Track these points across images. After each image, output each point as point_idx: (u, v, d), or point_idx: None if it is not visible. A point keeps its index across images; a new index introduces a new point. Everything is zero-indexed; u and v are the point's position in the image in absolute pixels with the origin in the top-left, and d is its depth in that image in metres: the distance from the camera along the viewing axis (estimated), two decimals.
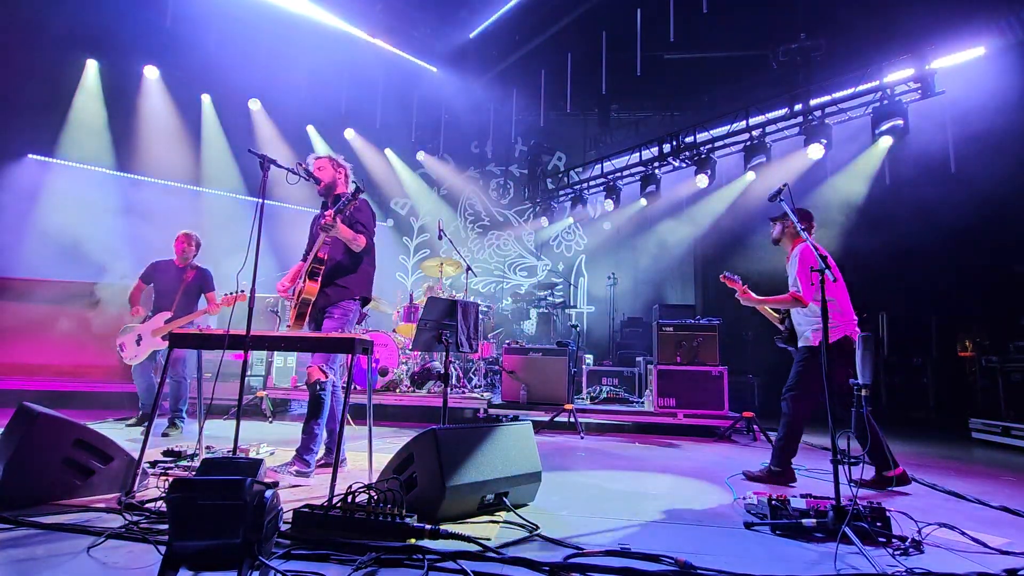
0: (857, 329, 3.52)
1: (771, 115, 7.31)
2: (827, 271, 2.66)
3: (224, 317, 5.29)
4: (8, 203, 7.38)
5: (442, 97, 10.12)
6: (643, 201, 8.94)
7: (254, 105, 9.39)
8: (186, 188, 8.79)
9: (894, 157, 7.60)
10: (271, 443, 4.12)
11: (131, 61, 8.24)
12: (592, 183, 9.59)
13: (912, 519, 2.52)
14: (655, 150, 8.48)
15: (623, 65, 8.37)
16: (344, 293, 3.44)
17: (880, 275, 7.46)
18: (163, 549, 1.68)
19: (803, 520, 2.43)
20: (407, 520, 2.14)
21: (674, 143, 8.20)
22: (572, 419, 5.43)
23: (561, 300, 9.16)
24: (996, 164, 6.55)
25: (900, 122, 6.16)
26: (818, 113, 6.90)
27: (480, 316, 6.35)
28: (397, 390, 6.18)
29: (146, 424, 2.93)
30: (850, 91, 6.66)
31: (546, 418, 5.56)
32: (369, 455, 3.13)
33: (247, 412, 5.72)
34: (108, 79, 8.22)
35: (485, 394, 6.23)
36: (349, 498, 2.27)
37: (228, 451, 3.10)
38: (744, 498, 2.83)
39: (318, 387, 3.24)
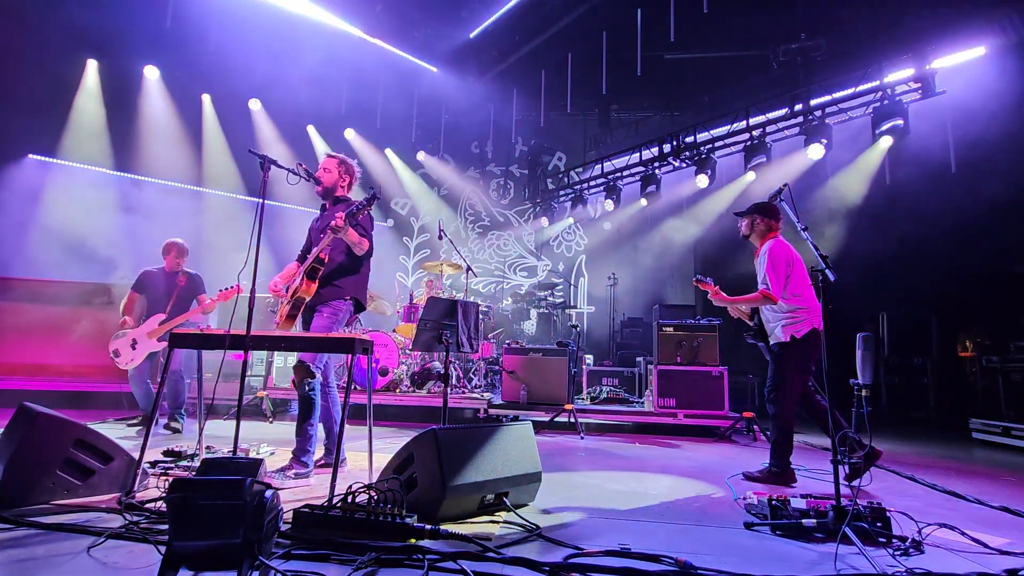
0: (821, 321, 3.56)
1: (771, 115, 7.31)
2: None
3: (225, 317, 5.29)
4: (9, 203, 7.39)
5: (442, 97, 10.13)
6: (643, 201, 8.94)
7: (254, 105, 9.40)
8: (186, 188, 8.79)
9: (894, 157, 7.60)
10: (271, 443, 4.12)
11: (131, 61, 8.25)
12: (592, 183, 9.60)
13: (912, 519, 2.52)
14: (655, 150, 8.48)
15: (623, 65, 8.38)
16: (337, 293, 3.41)
17: (880, 275, 7.46)
18: (163, 549, 1.68)
19: (803, 520, 2.43)
20: (407, 520, 2.14)
21: (674, 143, 8.20)
22: (572, 419, 5.43)
23: (561, 300, 9.16)
24: (997, 164, 6.55)
25: (900, 122, 6.16)
26: (818, 113, 6.90)
27: (480, 316, 6.35)
28: (397, 390, 6.19)
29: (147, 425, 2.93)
30: (850, 91, 6.66)
31: (546, 418, 5.56)
32: (369, 455, 3.13)
33: (247, 412, 5.72)
34: (108, 79, 8.22)
35: (485, 394, 6.23)
36: (349, 498, 2.27)
37: (228, 451, 3.10)
38: (744, 498, 2.83)
39: (306, 386, 3.22)
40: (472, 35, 8.88)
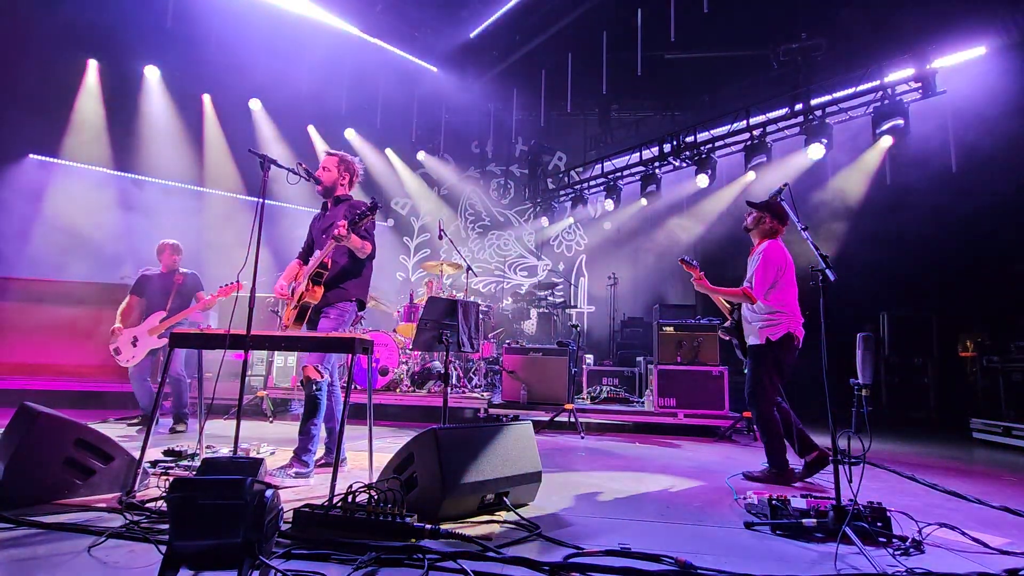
0: (802, 329, 3.59)
1: (772, 115, 7.31)
2: (828, 269, 2.67)
3: (225, 317, 5.30)
4: (10, 203, 7.39)
5: (442, 97, 10.13)
6: (643, 201, 8.94)
7: (255, 105, 9.40)
8: (187, 188, 8.80)
9: (895, 157, 7.59)
10: (272, 443, 4.13)
11: (132, 61, 8.26)
12: (592, 183, 9.60)
13: (913, 519, 2.52)
14: (655, 150, 8.48)
15: (624, 65, 8.38)
16: (342, 295, 3.44)
17: (881, 275, 7.45)
18: (164, 549, 1.68)
19: (803, 520, 2.43)
20: (407, 520, 2.14)
21: (674, 143, 8.20)
22: (572, 419, 5.43)
23: (561, 300, 9.16)
24: (997, 163, 6.54)
25: (901, 122, 6.16)
26: (819, 113, 6.90)
27: (480, 316, 6.36)
28: (397, 390, 6.19)
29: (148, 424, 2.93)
30: (851, 91, 6.66)
31: (546, 418, 5.56)
32: (369, 455, 3.13)
33: (248, 412, 5.72)
34: (109, 79, 8.23)
35: (485, 394, 6.23)
36: (349, 498, 2.27)
37: (229, 451, 3.11)
38: (744, 498, 2.83)
39: (313, 387, 3.24)
40: (472, 35, 8.88)
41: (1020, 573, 2.02)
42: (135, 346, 4.84)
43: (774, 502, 2.56)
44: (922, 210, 7.20)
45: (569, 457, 4.26)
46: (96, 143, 8.10)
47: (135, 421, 5.10)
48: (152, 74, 8.45)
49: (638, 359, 7.03)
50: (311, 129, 10.12)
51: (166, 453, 3.39)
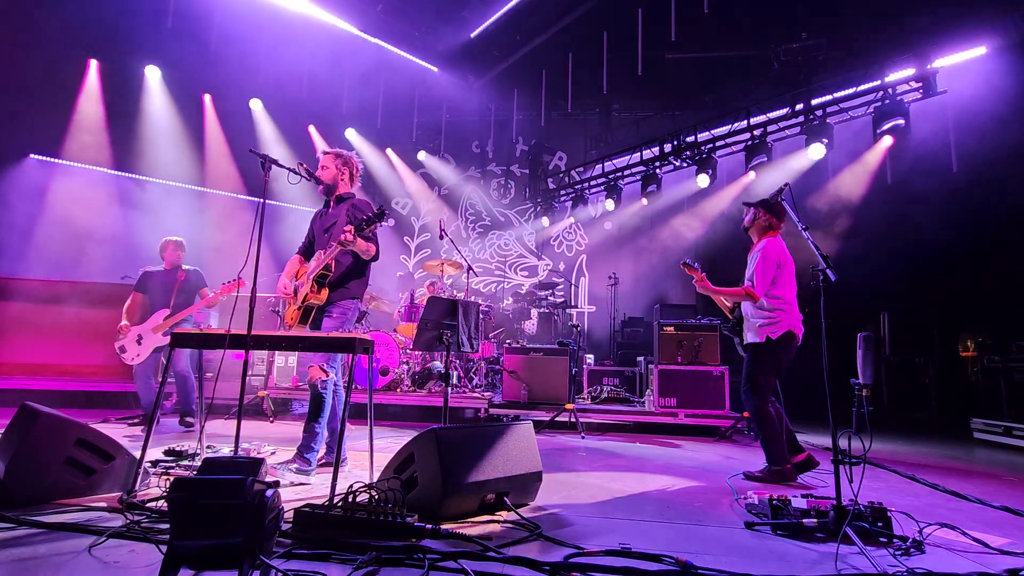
0: (801, 326, 3.60)
1: (772, 115, 7.30)
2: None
3: (225, 316, 5.31)
4: (10, 203, 7.40)
5: (443, 97, 10.13)
6: (644, 201, 8.94)
7: (255, 105, 9.41)
8: (187, 188, 8.81)
9: (895, 156, 7.59)
10: (272, 442, 4.13)
11: (133, 61, 8.27)
12: (593, 183, 9.59)
13: (913, 519, 2.52)
14: (656, 150, 8.48)
15: (624, 65, 8.37)
16: (345, 293, 3.47)
17: (881, 274, 7.44)
18: (164, 548, 1.68)
19: (804, 520, 2.43)
20: (408, 520, 2.14)
21: (675, 143, 8.19)
22: (573, 419, 5.43)
23: (562, 300, 9.16)
24: (998, 163, 6.54)
25: (901, 121, 6.15)
26: (819, 113, 6.89)
27: (481, 316, 6.35)
28: (398, 390, 6.19)
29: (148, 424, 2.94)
30: (851, 90, 6.65)
31: (547, 418, 5.56)
32: (370, 454, 3.13)
33: (248, 412, 5.73)
34: (110, 79, 8.23)
35: (486, 394, 6.23)
36: (350, 498, 2.27)
37: (229, 450, 3.11)
38: (745, 498, 2.83)
39: (319, 386, 3.25)
40: (473, 35, 8.88)
41: (1021, 573, 2.02)
42: (140, 344, 4.85)
43: (775, 502, 2.56)
44: (923, 210, 7.19)
45: (570, 457, 4.26)
46: (97, 143, 8.11)
47: (135, 421, 5.11)
48: (153, 74, 8.45)
49: (639, 359, 7.02)
50: (312, 129, 10.13)
51: (167, 453, 3.39)
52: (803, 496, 2.61)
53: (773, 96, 7.44)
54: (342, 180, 3.60)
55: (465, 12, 8.47)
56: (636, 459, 4.27)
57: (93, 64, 8.14)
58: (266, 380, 6.21)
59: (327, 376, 3.25)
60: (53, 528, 2.20)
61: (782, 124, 7.27)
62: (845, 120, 6.90)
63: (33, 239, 7.45)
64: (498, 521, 2.50)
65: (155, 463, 3.19)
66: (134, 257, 7.44)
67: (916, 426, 7.07)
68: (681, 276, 9.67)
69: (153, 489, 2.78)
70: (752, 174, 8.32)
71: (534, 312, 8.67)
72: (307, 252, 3.66)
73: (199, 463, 2.75)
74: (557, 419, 5.55)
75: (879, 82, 6.43)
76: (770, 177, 8.05)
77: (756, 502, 2.68)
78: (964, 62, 6.24)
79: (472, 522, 2.47)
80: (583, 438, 5.17)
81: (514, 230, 10.97)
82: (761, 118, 7.35)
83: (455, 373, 6.39)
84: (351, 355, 2.90)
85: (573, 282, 10.47)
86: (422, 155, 11.00)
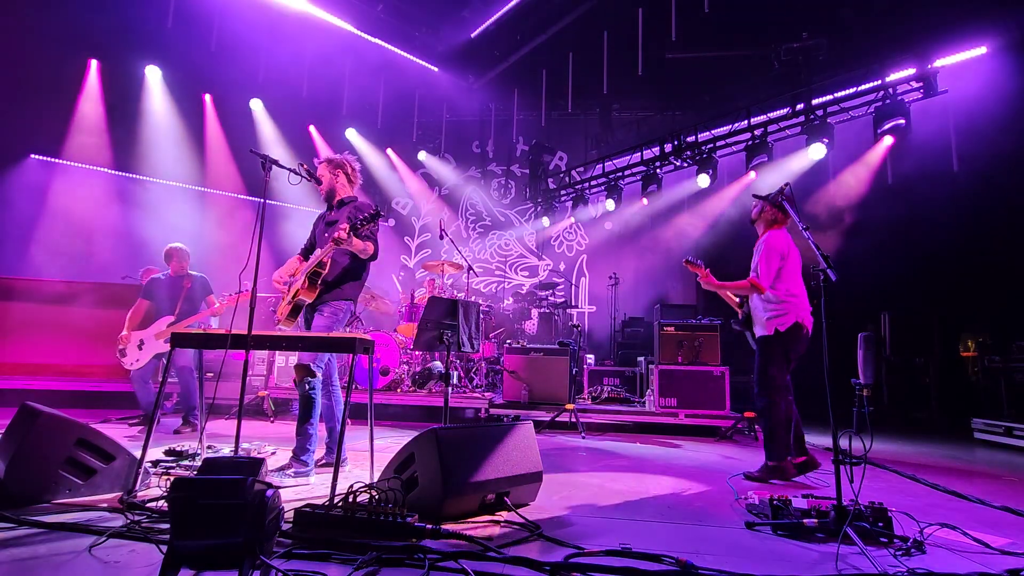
0: (810, 317, 3.58)
1: (773, 114, 7.30)
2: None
3: (225, 317, 5.31)
4: (12, 203, 7.41)
5: (443, 97, 10.13)
6: (644, 201, 8.94)
7: (256, 105, 9.41)
8: (188, 188, 8.81)
9: (896, 156, 7.59)
10: (273, 443, 4.13)
11: (133, 61, 8.27)
12: (593, 183, 9.59)
13: (914, 519, 2.52)
14: (656, 149, 8.47)
15: (625, 64, 8.37)
16: (338, 294, 3.44)
17: (882, 274, 7.44)
18: (165, 548, 1.68)
19: (804, 520, 2.43)
20: (408, 520, 2.14)
21: (675, 142, 8.19)
22: (573, 419, 5.43)
23: (562, 300, 9.16)
24: (999, 163, 6.53)
25: (902, 121, 6.14)
26: (820, 112, 6.89)
27: (481, 316, 6.35)
28: (398, 390, 6.19)
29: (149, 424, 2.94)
30: (852, 90, 6.65)
31: (547, 418, 5.56)
32: (370, 455, 3.13)
33: (249, 412, 5.73)
34: (110, 79, 8.24)
35: (486, 394, 6.23)
36: (350, 498, 2.27)
37: (230, 450, 3.11)
38: (745, 498, 2.83)
39: (307, 385, 3.23)
40: (473, 35, 8.88)
41: (1022, 573, 2.02)
42: (141, 349, 4.85)
43: (775, 502, 2.56)
44: (923, 209, 7.18)
45: (570, 457, 4.25)
46: (97, 143, 8.11)
47: (135, 421, 5.11)
48: (153, 74, 8.46)
49: (639, 359, 7.02)
50: (312, 129, 10.13)
51: (167, 453, 3.39)
52: (804, 496, 2.60)
53: (774, 96, 7.43)
54: (339, 184, 3.61)
55: (465, 12, 8.47)
56: (636, 459, 4.27)
57: (94, 64, 8.15)
58: (266, 380, 6.21)
59: (314, 376, 3.23)
60: (53, 528, 2.20)
61: (783, 124, 7.27)
62: (846, 120, 6.89)
63: (34, 239, 7.46)
64: (498, 521, 2.50)
65: (155, 463, 3.19)
66: (135, 257, 7.46)
67: (916, 426, 7.06)
68: (682, 276, 9.74)
69: (153, 489, 2.78)
70: (752, 174, 8.32)
71: (534, 312, 8.67)
72: (307, 253, 3.66)
73: (199, 463, 2.75)
74: (557, 419, 5.55)
75: (880, 82, 6.42)
76: (771, 177, 8.05)
77: (756, 502, 2.68)
78: (965, 62, 6.23)
79: (472, 522, 2.47)
80: (583, 438, 5.17)
81: (514, 230, 10.97)
82: (762, 118, 7.35)
83: (455, 373, 6.39)
84: (351, 355, 2.90)
85: (573, 282, 10.47)
86: (422, 155, 11.00)
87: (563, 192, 10.06)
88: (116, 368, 5.99)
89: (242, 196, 9.09)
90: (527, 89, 9.83)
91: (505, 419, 5.74)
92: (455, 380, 6.33)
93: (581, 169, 9.92)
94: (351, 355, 2.90)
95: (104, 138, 8.15)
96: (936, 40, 6.13)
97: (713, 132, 7.88)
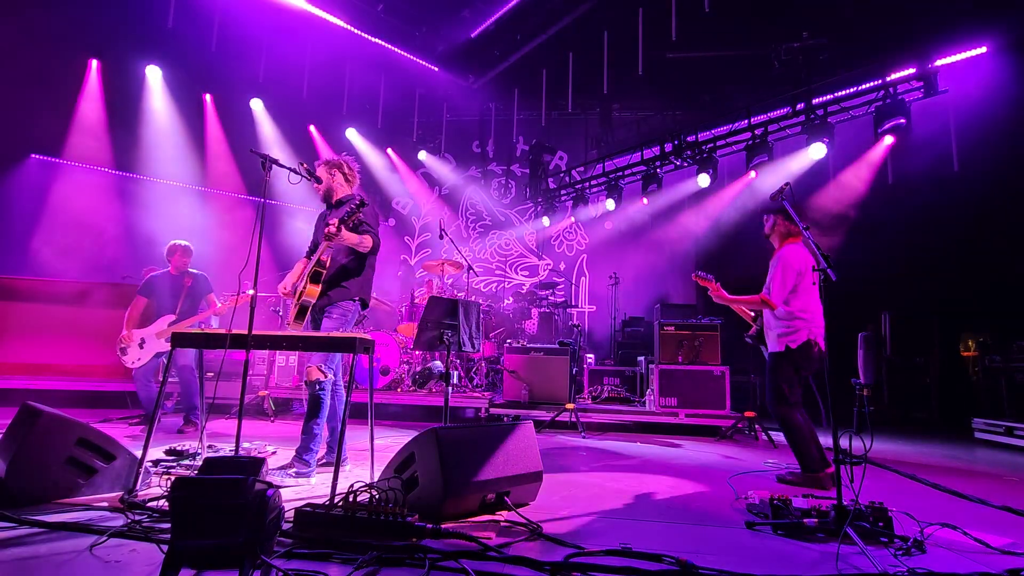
0: (823, 335, 3.52)
1: (773, 114, 7.29)
2: (829, 269, 2.67)
3: (226, 316, 5.31)
4: (12, 203, 7.41)
5: (444, 97, 10.13)
6: (645, 200, 8.94)
7: (256, 105, 9.41)
8: (188, 187, 8.81)
9: (897, 156, 7.58)
10: (273, 442, 4.13)
11: (134, 61, 8.27)
12: (594, 182, 9.59)
13: (914, 519, 2.52)
14: (656, 149, 8.47)
15: (625, 64, 8.36)
16: (344, 294, 3.45)
17: (882, 274, 7.44)
18: (165, 548, 1.68)
19: (805, 520, 2.43)
20: (408, 519, 2.14)
21: (676, 142, 8.19)
22: (574, 419, 5.43)
23: (563, 299, 9.16)
24: (1000, 162, 6.53)
25: (903, 121, 6.14)
26: (820, 112, 6.88)
27: (481, 315, 6.35)
28: (399, 389, 6.19)
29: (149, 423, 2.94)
30: (852, 90, 6.64)
31: (548, 417, 5.56)
32: (371, 454, 3.13)
33: (249, 411, 5.73)
34: (111, 79, 8.24)
35: (487, 393, 6.23)
36: (351, 497, 2.27)
37: (230, 450, 3.11)
38: (746, 498, 2.83)
39: (317, 386, 3.24)
40: (474, 35, 8.87)
41: (1022, 573, 2.02)
42: (142, 348, 4.84)
43: (775, 502, 2.56)
44: (924, 209, 7.18)
45: (570, 457, 4.26)
46: (98, 143, 8.11)
47: (136, 421, 5.11)
48: (154, 74, 8.46)
49: (639, 359, 7.02)
50: (312, 129, 10.13)
51: (168, 452, 3.40)
52: (804, 496, 2.60)
53: (774, 95, 7.43)
54: (336, 184, 3.62)
55: (466, 11, 8.46)
56: (637, 459, 4.27)
57: (94, 64, 8.15)
58: (267, 380, 6.21)
59: (325, 377, 3.24)
60: (54, 528, 2.21)
61: (783, 123, 7.26)
62: (846, 120, 6.89)
63: (35, 239, 7.46)
64: (499, 521, 2.50)
65: (156, 463, 3.19)
66: (136, 257, 7.46)
67: (917, 426, 7.06)
68: (682, 275, 9.74)
69: (154, 489, 2.79)
70: (753, 173, 8.32)
71: (535, 312, 8.67)
72: (311, 254, 3.68)
73: (200, 463, 2.75)
74: (558, 419, 5.55)
75: (880, 81, 6.42)
76: (771, 176, 8.05)
77: (757, 502, 2.68)
78: (966, 62, 6.22)
79: (473, 522, 2.47)
80: (584, 438, 5.17)
81: (515, 230, 10.97)
82: (762, 117, 7.34)
83: (456, 373, 6.39)
84: (352, 355, 2.90)
85: (574, 282, 10.47)
86: (423, 155, 11.00)
87: (563, 192, 10.06)
88: (117, 368, 6.00)
89: (242, 196, 9.09)
90: (527, 89, 9.83)
91: (505, 419, 5.75)
92: (455, 380, 6.33)
93: (581, 169, 9.92)
94: (352, 355, 2.91)
95: (104, 138, 8.15)
96: (937, 39, 6.12)
97: (713, 132, 7.88)
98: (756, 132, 7.40)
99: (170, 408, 5.88)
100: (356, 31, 8.47)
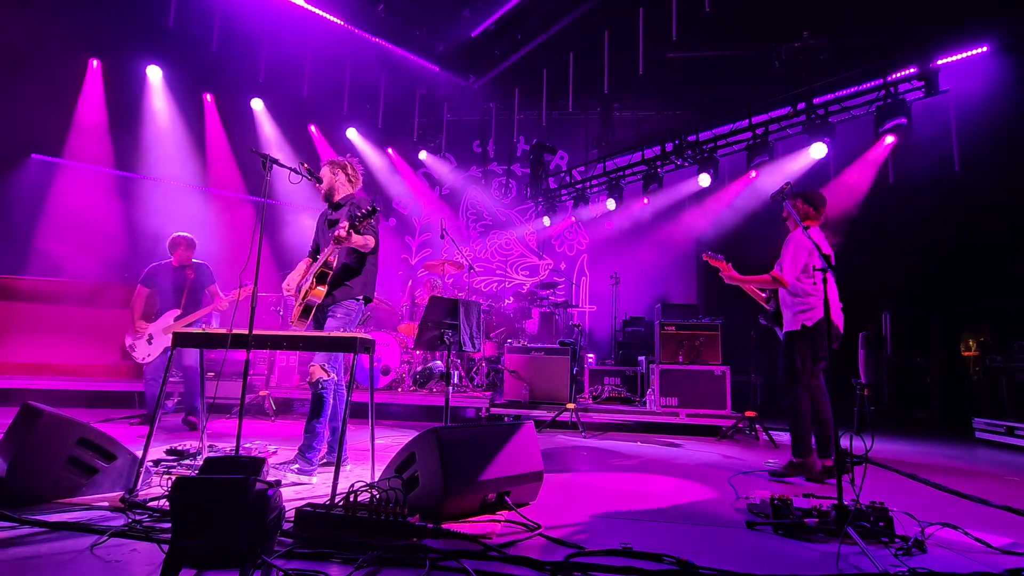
0: (841, 314, 3.56)
1: (774, 114, 7.29)
2: (830, 270, 2.68)
3: (227, 316, 5.32)
4: (13, 203, 7.41)
5: (444, 96, 10.12)
6: (645, 200, 8.93)
7: (256, 105, 9.41)
8: (189, 187, 8.81)
9: (897, 155, 7.58)
10: (274, 442, 4.13)
11: (134, 61, 8.27)
12: (594, 182, 9.59)
13: (915, 519, 2.52)
14: (657, 149, 8.47)
15: (625, 64, 8.35)
16: (348, 292, 3.47)
17: (883, 274, 7.44)
18: (166, 548, 1.68)
19: (806, 520, 2.43)
20: (409, 519, 2.14)
21: (676, 142, 8.18)
22: (574, 418, 5.43)
23: (563, 299, 9.15)
24: (1000, 162, 6.52)
25: (904, 120, 6.13)
26: (821, 112, 6.88)
27: (482, 315, 6.35)
28: (399, 389, 6.19)
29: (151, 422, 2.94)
30: (853, 89, 6.63)
31: (548, 417, 5.56)
32: (371, 454, 3.13)
33: (250, 411, 5.73)
34: (111, 79, 8.24)
35: (487, 393, 6.23)
36: (351, 497, 2.27)
37: (231, 450, 3.11)
38: (746, 498, 2.82)
39: (319, 386, 3.25)
40: (474, 34, 8.87)
41: (1022, 573, 2.02)
42: (150, 344, 4.85)
43: (776, 502, 2.56)
44: (925, 209, 7.17)
45: (571, 457, 4.26)
46: (98, 143, 8.11)
47: (136, 420, 5.11)
48: (154, 74, 8.46)
49: (640, 358, 7.02)
50: (313, 129, 10.13)
51: (169, 452, 3.40)
52: (804, 496, 2.60)
53: (775, 95, 7.42)
54: (339, 183, 3.64)
55: (466, 11, 8.46)
56: (637, 459, 4.27)
57: (95, 64, 8.15)
58: (268, 379, 6.22)
59: (328, 376, 3.25)
60: (55, 527, 2.21)
61: (784, 123, 7.26)
62: (847, 119, 6.88)
63: (35, 239, 7.46)
64: (499, 521, 2.50)
65: (157, 462, 3.20)
66: (136, 257, 7.46)
67: (917, 426, 7.06)
68: (683, 275, 9.74)
69: (155, 488, 2.79)
70: (754, 173, 8.32)
71: (535, 311, 8.67)
72: (314, 254, 3.69)
73: (201, 462, 2.75)
74: (558, 419, 5.55)
75: (881, 81, 6.41)
76: (772, 176, 8.05)
77: (757, 502, 2.68)
78: (967, 62, 6.21)
79: (473, 521, 2.47)
80: (584, 438, 5.17)
81: (515, 229, 10.97)
82: (763, 117, 7.33)
83: (456, 373, 6.40)
84: (352, 354, 2.90)
85: (574, 281, 10.46)
86: (423, 154, 10.99)
87: (564, 191, 10.05)
88: (118, 367, 6.01)
89: (243, 196, 9.09)
90: (528, 88, 9.82)
91: (506, 419, 5.75)
92: (456, 380, 6.33)
93: (582, 168, 9.91)
94: (352, 354, 2.91)
95: (105, 138, 8.15)
96: (937, 39, 6.11)
97: (714, 131, 7.87)
98: (757, 132, 7.40)
99: (170, 408, 5.88)
100: (356, 31, 8.46)
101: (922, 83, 6.11)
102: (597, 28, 8.29)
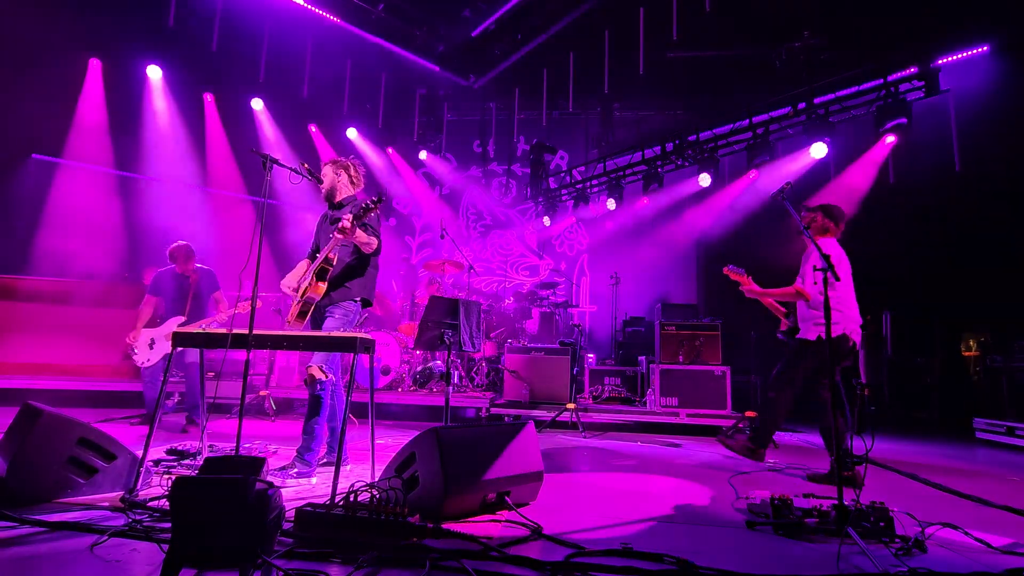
0: (859, 330, 3.55)
1: (774, 114, 7.29)
2: (831, 270, 2.68)
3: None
4: (14, 203, 7.42)
5: (444, 96, 10.12)
6: (645, 200, 8.93)
7: (256, 105, 9.41)
8: (188, 187, 8.81)
9: (898, 155, 7.57)
10: (274, 442, 4.14)
11: (134, 60, 8.28)
12: (594, 182, 9.59)
13: (915, 519, 2.52)
14: (657, 149, 8.47)
15: (626, 64, 8.35)
16: (346, 294, 3.45)
17: (884, 274, 7.42)
18: (166, 547, 1.68)
19: (806, 520, 2.43)
20: (409, 519, 2.14)
21: (677, 142, 8.19)
22: (574, 418, 5.43)
23: (563, 299, 9.15)
24: (1001, 162, 6.52)
25: (904, 120, 6.13)
26: (821, 111, 6.88)
27: (482, 315, 6.35)
28: (399, 389, 6.19)
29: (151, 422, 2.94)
30: (853, 89, 6.64)
31: (548, 417, 5.56)
32: (371, 454, 3.13)
33: (250, 411, 5.73)
34: (111, 78, 8.24)
35: (487, 393, 6.23)
36: (351, 497, 2.27)
37: (231, 450, 3.11)
38: (747, 497, 2.82)
39: (317, 387, 3.24)
40: (474, 34, 8.87)
41: (1022, 574, 2.02)
42: (152, 348, 4.86)
43: (776, 502, 2.56)
44: (925, 209, 7.17)
45: (571, 457, 4.26)
46: (99, 143, 8.11)
47: (136, 420, 5.12)
48: (154, 73, 8.46)
49: (640, 359, 7.02)
50: (313, 129, 10.13)
51: (169, 452, 3.40)
52: (805, 496, 2.60)
53: (775, 95, 7.42)
54: (341, 184, 3.62)
55: (467, 11, 8.46)
56: (637, 459, 4.27)
57: (95, 63, 8.15)
58: (268, 379, 6.21)
59: (325, 377, 3.24)
60: (55, 527, 2.21)
61: (784, 123, 7.26)
62: (847, 119, 6.88)
63: (36, 239, 7.47)
64: (499, 521, 2.50)
65: (157, 462, 3.20)
66: (136, 257, 7.46)
67: (918, 426, 7.05)
68: (683, 275, 9.73)
69: (155, 488, 2.79)
70: (754, 173, 8.31)
71: (535, 311, 8.66)
72: (314, 255, 3.66)
73: (201, 462, 2.75)
74: (558, 419, 5.55)
75: (881, 80, 6.41)
76: (772, 176, 8.05)
77: (758, 502, 2.68)
78: (967, 62, 6.21)
79: (473, 521, 2.47)
80: (584, 438, 5.17)
81: (515, 229, 10.97)
82: (763, 117, 7.34)
83: (456, 373, 6.40)
84: (352, 354, 2.90)
85: (575, 281, 10.46)
86: (423, 154, 10.99)
87: (564, 191, 10.05)
88: (118, 367, 6.01)
89: (243, 196, 9.09)
90: (528, 88, 9.82)
91: (506, 418, 5.75)
92: (456, 380, 6.34)
93: (582, 168, 9.91)
94: (352, 354, 2.91)
95: (105, 138, 8.15)
96: (938, 39, 6.11)
97: (714, 131, 7.88)
98: (757, 131, 7.40)
99: (171, 408, 5.88)
100: (356, 30, 8.47)
101: (922, 83, 6.11)
102: (597, 28, 8.29)
